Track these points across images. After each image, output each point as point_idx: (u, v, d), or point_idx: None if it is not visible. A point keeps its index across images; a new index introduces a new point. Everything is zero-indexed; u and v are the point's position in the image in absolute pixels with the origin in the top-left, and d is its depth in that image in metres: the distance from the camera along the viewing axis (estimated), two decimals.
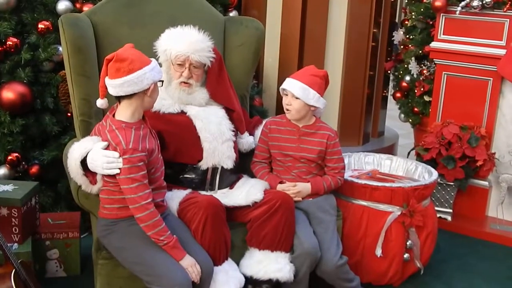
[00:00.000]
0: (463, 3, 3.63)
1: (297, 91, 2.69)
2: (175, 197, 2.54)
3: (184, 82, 2.66)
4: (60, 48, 3.13)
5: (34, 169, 3.24)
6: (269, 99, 4.18)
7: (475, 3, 3.59)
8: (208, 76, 2.73)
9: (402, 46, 4.66)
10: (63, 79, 3.21)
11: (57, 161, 3.15)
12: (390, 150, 4.62)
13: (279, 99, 4.18)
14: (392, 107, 5.20)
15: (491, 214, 3.94)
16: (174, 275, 2.24)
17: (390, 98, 5.06)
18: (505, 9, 3.54)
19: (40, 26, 3.16)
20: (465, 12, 3.68)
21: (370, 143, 4.60)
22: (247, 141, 2.90)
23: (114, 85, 2.23)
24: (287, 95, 2.75)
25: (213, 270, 2.40)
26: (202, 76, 2.71)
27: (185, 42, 2.61)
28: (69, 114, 3.26)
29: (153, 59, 2.30)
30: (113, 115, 2.32)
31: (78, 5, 3.27)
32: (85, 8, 3.19)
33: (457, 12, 3.67)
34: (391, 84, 5.02)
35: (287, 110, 2.75)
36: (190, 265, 2.28)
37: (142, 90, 2.24)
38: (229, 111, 2.80)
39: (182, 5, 3.04)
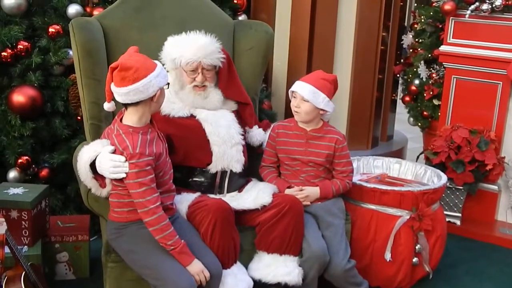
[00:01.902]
0: (472, 7, 3.61)
1: (306, 94, 2.69)
2: (184, 200, 2.54)
3: (198, 86, 2.67)
4: (71, 52, 3.15)
5: (44, 172, 3.27)
6: (278, 103, 4.18)
7: (484, 7, 3.57)
8: (219, 76, 2.75)
9: (411, 50, 4.65)
10: (73, 82, 3.23)
11: (67, 164, 3.19)
12: (399, 154, 4.62)
13: (288, 103, 4.15)
14: (401, 111, 5.19)
15: (500, 219, 3.93)
16: (179, 279, 2.25)
17: (399, 101, 5.05)
18: None
19: (51, 30, 3.18)
20: (475, 16, 3.66)
21: (379, 147, 4.59)
22: (258, 133, 2.90)
23: (120, 93, 2.24)
24: (295, 97, 2.75)
25: (222, 273, 2.40)
26: (214, 77, 2.73)
27: (194, 48, 2.62)
28: (79, 118, 3.28)
29: (158, 63, 2.29)
30: (121, 119, 2.33)
31: (88, 9, 3.30)
32: (95, 12, 3.21)
33: (467, 16, 3.66)
34: (400, 88, 5.00)
35: (296, 112, 2.75)
36: (197, 272, 2.28)
37: (148, 97, 2.25)
38: (238, 114, 2.82)
39: (192, 8, 3.05)
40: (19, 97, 3.08)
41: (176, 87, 2.67)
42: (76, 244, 2.97)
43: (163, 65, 2.58)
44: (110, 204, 2.39)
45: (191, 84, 2.67)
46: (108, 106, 2.32)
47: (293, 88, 2.76)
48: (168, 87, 2.35)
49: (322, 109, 2.73)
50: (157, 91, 2.26)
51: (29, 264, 2.44)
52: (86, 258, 3.02)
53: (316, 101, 2.70)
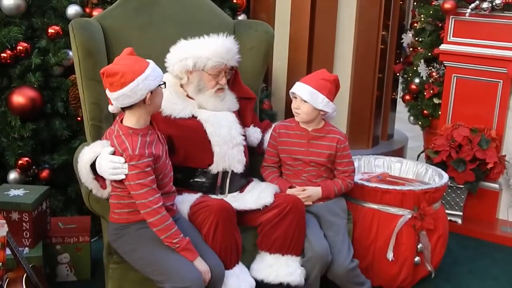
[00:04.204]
0: (472, 5, 3.61)
1: (305, 95, 2.69)
2: (185, 201, 2.53)
3: (220, 89, 2.69)
4: (70, 53, 3.15)
5: (45, 174, 3.26)
6: (278, 102, 4.17)
7: (485, 5, 3.56)
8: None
9: (411, 49, 4.64)
10: (73, 83, 3.23)
11: (67, 165, 3.19)
12: (399, 152, 4.61)
13: (288, 102, 4.14)
14: (400, 110, 5.18)
15: (501, 217, 3.92)
16: (186, 271, 2.24)
17: (399, 100, 5.04)
18: None
19: (50, 30, 3.17)
20: (475, 14, 3.65)
21: (380, 146, 4.59)
22: (254, 131, 2.90)
23: (112, 98, 2.25)
24: (296, 98, 2.75)
25: (224, 274, 2.39)
26: None
27: (222, 51, 2.63)
28: (79, 119, 3.27)
29: (151, 63, 2.26)
30: (121, 121, 2.33)
31: (88, 10, 3.29)
32: (95, 13, 3.21)
33: (467, 14, 3.65)
34: (400, 87, 5.00)
35: (296, 113, 2.75)
36: (202, 271, 2.28)
37: (139, 101, 2.23)
38: (239, 114, 2.82)
39: (192, 8, 3.04)
40: (19, 98, 3.07)
41: (192, 90, 2.67)
42: (77, 245, 2.96)
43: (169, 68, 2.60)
44: (110, 206, 2.38)
45: (215, 88, 2.68)
46: (112, 108, 2.33)
47: (293, 89, 2.75)
48: (165, 87, 2.33)
49: (322, 110, 2.72)
50: (147, 94, 2.23)
51: (30, 266, 2.43)
52: (87, 260, 3.01)
53: (315, 102, 2.69)
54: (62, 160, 3.25)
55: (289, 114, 4.09)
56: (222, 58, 2.63)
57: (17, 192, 2.81)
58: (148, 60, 2.27)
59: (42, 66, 3.16)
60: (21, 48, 3.09)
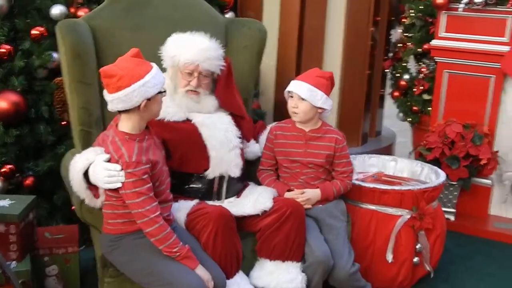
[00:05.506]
0: (465, 0, 3.57)
1: (304, 92, 2.62)
2: (182, 208, 2.44)
3: (192, 91, 2.57)
4: (55, 55, 3.02)
5: (29, 181, 3.12)
6: (267, 102, 4.10)
7: (477, 0, 3.53)
8: (217, 83, 2.65)
9: (400, 45, 4.59)
10: (58, 86, 3.10)
11: (53, 172, 3.06)
12: (388, 149, 4.58)
13: (277, 102, 4.11)
14: (386, 106, 5.13)
15: (493, 213, 3.92)
16: (188, 280, 2.15)
17: (386, 97, 4.99)
18: (508, 5, 3.49)
19: (34, 32, 3.02)
20: (468, 9, 3.63)
21: (369, 143, 4.55)
22: (252, 150, 2.81)
23: (107, 100, 2.16)
24: (292, 97, 2.67)
25: (225, 284, 2.31)
26: (210, 84, 2.63)
27: (195, 50, 2.52)
28: (64, 123, 3.15)
29: (153, 69, 2.15)
30: (116, 126, 2.22)
31: (72, 10, 3.15)
32: (80, 13, 3.08)
33: (460, 9, 3.61)
34: (388, 83, 4.96)
35: (294, 113, 2.67)
36: (205, 279, 2.19)
37: (134, 107, 2.14)
38: (235, 117, 2.73)
39: (183, 7, 2.95)
40: (2, 103, 2.93)
41: (171, 89, 2.57)
42: (66, 256, 2.83)
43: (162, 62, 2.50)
44: (103, 216, 2.28)
45: (185, 88, 2.57)
46: (110, 108, 2.21)
47: (289, 88, 2.68)
48: (165, 95, 2.23)
49: (320, 107, 2.66)
50: (142, 102, 2.13)
51: (20, 282, 2.31)
52: (76, 271, 2.88)
53: (314, 99, 2.63)
54: (47, 166, 3.12)
55: (277, 113, 4.05)
56: (192, 56, 2.53)
57: (2, 203, 2.67)
58: (152, 64, 2.17)
59: (26, 69, 3.02)
60: (3, 50, 2.94)
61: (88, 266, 2.94)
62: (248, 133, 2.75)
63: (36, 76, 3.09)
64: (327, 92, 2.69)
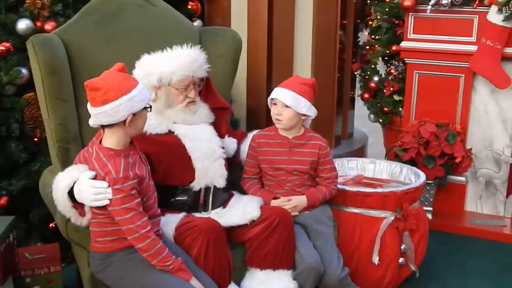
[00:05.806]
0: (432, 1, 3.62)
1: (288, 100, 2.60)
2: (169, 222, 2.39)
3: (191, 102, 2.55)
4: (24, 70, 2.93)
5: (3, 201, 3.01)
6: (239, 109, 4.05)
7: (444, 1, 3.59)
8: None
9: (367, 47, 4.63)
10: (28, 102, 3.00)
11: (28, 190, 2.97)
12: (361, 151, 4.61)
13: (248, 109, 4.08)
14: (357, 107, 5.17)
15: (469, 209, 3.97)
16: None
17: (357, 99, 5.03)
18: (474, 5, 3.56)
19: (0, 48, 2.93)
20: (435, 10, 3.67)
21: (342, 145, 4.56)
22: (230, 142, 2.79)
23: (92, 114, 2.10)
24: (276, 104, 2.65)
25: None
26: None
27: (187, 63, 2.48)
28: (36, 139, 3.06)
29: (139, 84, 2.11)
30: (100, 142, 2.16)
31: (39, 24, 3.05)
32: (47, 26, 2.99)
33: (428, 11, 3.65)
34: (357, 85, 4.99)
35: (278, 120, 2.66)
36: None
37: (118, 122, 2.09)
38: (215, 127, 2.69)
39: (156, 18, 2.90)
40: None
41: (161, 106, 2.52)
42: (48, 276, 2.74)
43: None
44: (91, 234, 2.21)
45: (184, 102, 2.54)
46: (92, 122, 2.15)
47: (273, 95, 2.66)
48: (150, 110, 2.19)
49: (303, 114, 2.65)
50: (128, 116, 2.08)
51: None
52: None
53: (298, 106, 2.62)
54: (22, 185, 3.02)
55: (250, 120, 4.02)
56: (188, 71, 2.50)
57: None
58: (137, 80, 2.13)
59: None
60: None
61: (71, 284, 2.86)
62: (226, 126, 2.77)
63: (5, 93, 2.98)
64: (310, 99, 2.68)
